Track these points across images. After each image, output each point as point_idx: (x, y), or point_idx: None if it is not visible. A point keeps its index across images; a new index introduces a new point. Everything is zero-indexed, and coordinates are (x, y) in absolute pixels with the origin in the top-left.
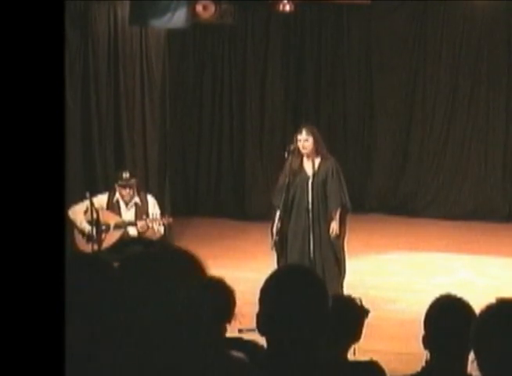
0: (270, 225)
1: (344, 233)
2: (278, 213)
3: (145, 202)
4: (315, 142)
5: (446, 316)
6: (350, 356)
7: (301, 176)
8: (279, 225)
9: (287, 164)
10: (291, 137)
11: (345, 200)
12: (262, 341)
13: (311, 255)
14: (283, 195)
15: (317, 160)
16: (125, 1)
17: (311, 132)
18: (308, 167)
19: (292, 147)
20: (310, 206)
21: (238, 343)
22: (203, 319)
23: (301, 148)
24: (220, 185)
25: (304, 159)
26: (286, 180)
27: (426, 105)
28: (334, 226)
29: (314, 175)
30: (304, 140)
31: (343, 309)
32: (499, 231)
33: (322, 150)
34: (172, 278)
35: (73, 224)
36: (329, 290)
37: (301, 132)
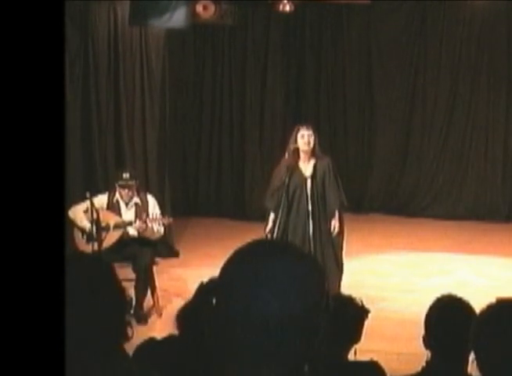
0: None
1: (343, 229)
2: (272, 215)
3: (145, 202)
4: (315, 139)
5: (447, 316)
6: (351, 357)
7: (298, 177)
8: (271, 226)
9: (283, 166)
10: (291, 137)
11: (343, 198)
12: None
13: (313, 254)
14: (282, 196)
15: (313, 160)
16: (125, 1)
17: (312, 130)
18: (305, 167)
19: (293, 147)
20: (310, 206)
21: None
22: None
23: (304, 145)
24: (220, 185)
25: (301, 159)
26: (286, 181)
27: (426, 105)
28: (336, 224)
29: (312, 175)
30: (309, 135)
31: (343, 310)
32: (499, 231)
33: (317, 150)
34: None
35: (73, 224)
36: (330, 288)
37: (306, 128)
